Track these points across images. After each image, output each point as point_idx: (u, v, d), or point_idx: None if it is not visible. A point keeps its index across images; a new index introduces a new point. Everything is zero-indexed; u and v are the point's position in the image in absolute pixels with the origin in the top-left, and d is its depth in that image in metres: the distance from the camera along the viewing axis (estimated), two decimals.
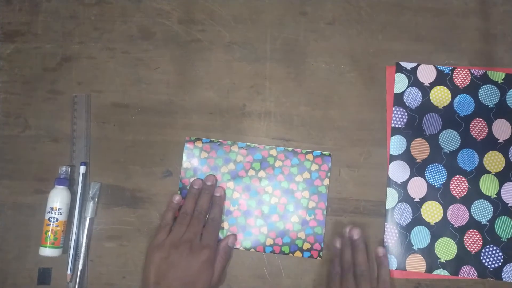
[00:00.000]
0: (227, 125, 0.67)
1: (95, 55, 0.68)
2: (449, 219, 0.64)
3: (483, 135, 0.66)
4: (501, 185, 0.65)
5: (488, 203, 0.65)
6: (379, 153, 0.66)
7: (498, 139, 0.66)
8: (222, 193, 0.65)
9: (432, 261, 0.63)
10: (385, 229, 0.64)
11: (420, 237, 0.64)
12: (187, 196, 0.64)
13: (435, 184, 0.65)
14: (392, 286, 0.63)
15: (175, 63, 0.68)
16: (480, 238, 0.64)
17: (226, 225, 0.65)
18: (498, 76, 0.67)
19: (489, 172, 0.65)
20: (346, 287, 0.58)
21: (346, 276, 0.59)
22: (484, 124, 0.66)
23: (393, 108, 0.67)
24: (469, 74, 0.67)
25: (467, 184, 0.65)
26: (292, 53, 0.68)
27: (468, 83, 0.67)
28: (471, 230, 0.64)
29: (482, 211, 0.64)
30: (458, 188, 0.65)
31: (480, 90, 0.67)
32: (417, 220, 0.64)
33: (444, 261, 0.63)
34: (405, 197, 0.65)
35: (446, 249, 0.64)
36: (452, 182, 0.65)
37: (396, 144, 0.66)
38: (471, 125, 0.66)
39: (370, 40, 0.68)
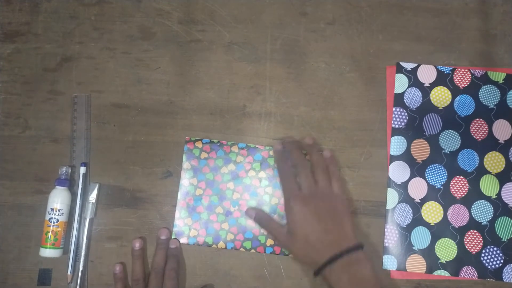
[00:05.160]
0: (227, 125, 0.67)
1: (95, 55, 0.68)
2: (449, 219, 0.64)
3: (483, 135, 0.66)
4: (501, 185, 0.65)
5: (489, 204, 0.65)
6: (379, 154, 0.66)
7: (499, 140, 0.66)
8: (178, 245, 0.63)
9: (433, 262, 0.63)
10: (385, 230, 0.64)
11: (421, 237, 0.64)
12: (132, 261, 0.62)
13: (436, 184, 0.65)
14: (393, 286, 0.63)
15: (175, 63, 0.68)
16: (481, 239, 0.64)
17: (226, 226, 0.65)
18: (499, 76, 0.67)
19: (489, 172, 0.65)
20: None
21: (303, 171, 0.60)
22: (484, 125, 0.66)
23: (394, 109, 0.67)
24: (470, 75, 0.67)
25: (467, 184, 0.65)
26: (292, 53, 0.68)
27: (468, 83, 0.67)
28: (471, 230, 0.64)
29: (483, 211, 0.64)
30: (459, 188, 0.65)
31: (480, 90, 0.67)
32: (418, 220, 0.64)
33: (445, 262, 0.63)
34: (405, 198, 0.65)
35: (446, 249, 0.64)
36: (452, 183, 0.65)
37: (396, 145, 0.66)
38: (471, 125, 0.66)
39: (370, 40, 0.68)
